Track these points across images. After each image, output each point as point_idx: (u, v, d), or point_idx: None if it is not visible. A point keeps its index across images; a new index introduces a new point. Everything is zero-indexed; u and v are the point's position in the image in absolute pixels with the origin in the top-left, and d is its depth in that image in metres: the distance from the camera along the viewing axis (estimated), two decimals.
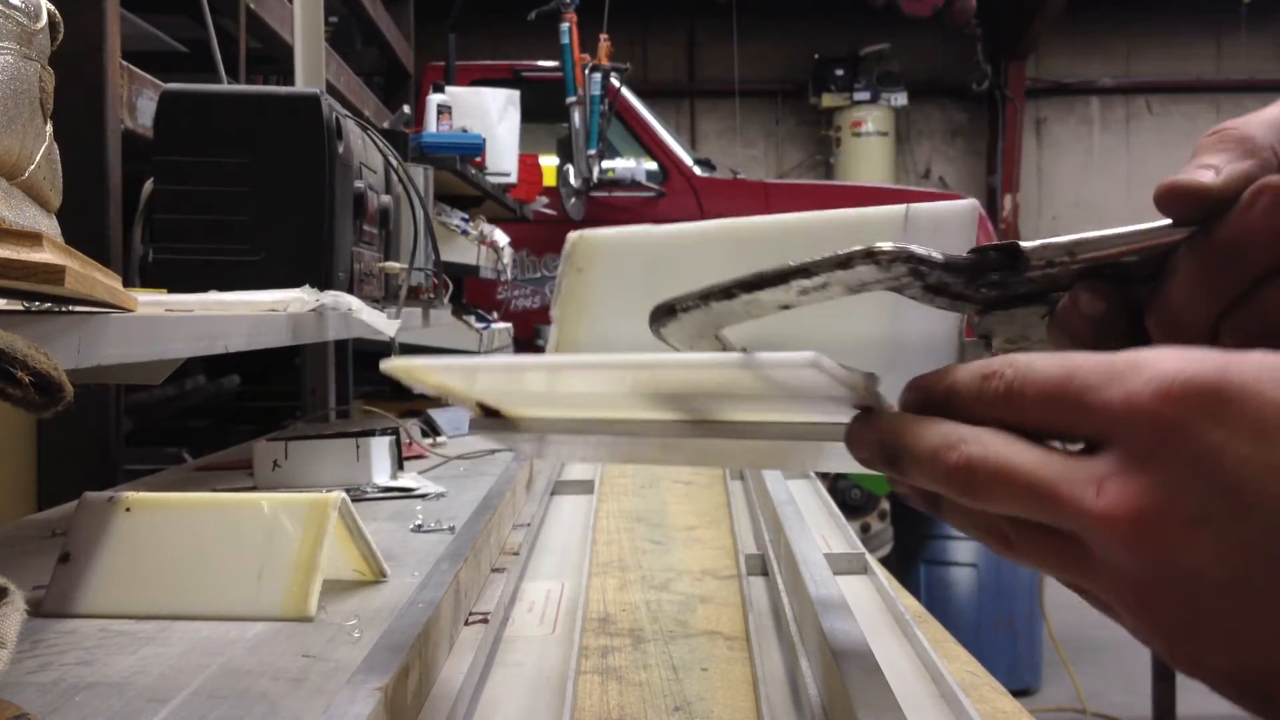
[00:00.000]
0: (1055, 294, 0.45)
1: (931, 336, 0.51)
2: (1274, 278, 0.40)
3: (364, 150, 1.68)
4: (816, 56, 8.95)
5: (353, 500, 0.92)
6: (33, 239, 0.67)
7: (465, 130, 2.89)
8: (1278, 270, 0.40)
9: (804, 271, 0.44)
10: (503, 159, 3.16)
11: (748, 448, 0.54)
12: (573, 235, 0.66)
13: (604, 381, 0.51)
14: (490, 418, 0.57)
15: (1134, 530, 0.34)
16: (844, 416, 0.44)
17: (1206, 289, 0.42)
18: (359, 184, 1.58)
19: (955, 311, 0.47)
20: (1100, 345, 0.43)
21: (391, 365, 0.53)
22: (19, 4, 0.77)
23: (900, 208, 0.54)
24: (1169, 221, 0.43)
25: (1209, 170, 0.42)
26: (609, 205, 4.87)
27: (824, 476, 4.68)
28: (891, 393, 0.47)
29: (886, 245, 0.43)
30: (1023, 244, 0.44)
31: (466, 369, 0.55)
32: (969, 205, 0.52)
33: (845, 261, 0.43)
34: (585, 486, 1.48)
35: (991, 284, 0.45)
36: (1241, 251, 0.41)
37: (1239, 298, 0.41)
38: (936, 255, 0.43)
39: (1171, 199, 0.42)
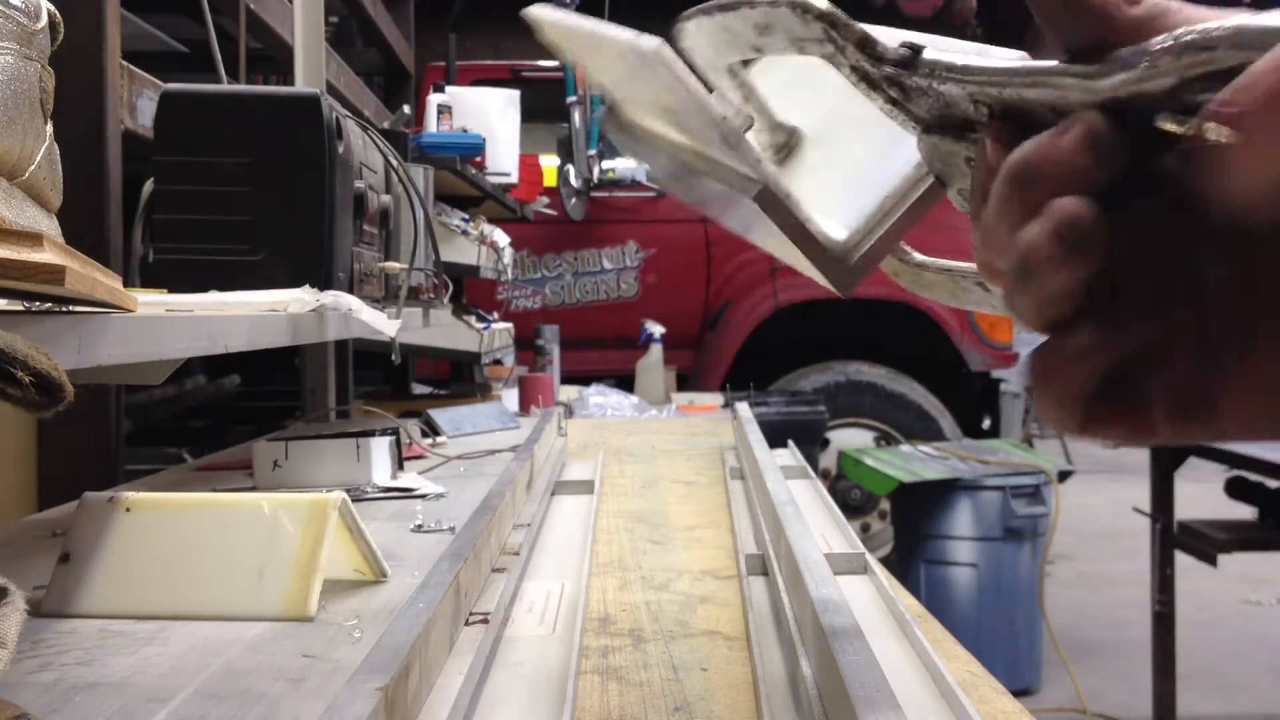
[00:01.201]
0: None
1: (897, 172, 0.52)
2: None
3: (364, 150, 1.68)
4: None
5: (353, 500, 0.92)
6: (33, 239, 0.67)
7: (465, 130, 2.88)
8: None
9: (750, 3, 0.44)
10: (503, 159, 3.16)
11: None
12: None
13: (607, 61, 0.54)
14: (611, 116, 0.60)
15: None
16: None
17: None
18: (359, 184, 1.58)
19: (893, 119, 0.45)
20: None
21: (531, 12, 0.55)
22: (19, 4, 0.77)
23: None
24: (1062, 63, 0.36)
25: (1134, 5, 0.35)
26: (609, 205, 4.86)
27: (824, 476, 4.67)
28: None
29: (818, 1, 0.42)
30: (926, 48, 0.41)
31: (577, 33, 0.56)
32: None
33: (774, 1, 0.43)
34: (585, 486, 1.48)
35: (894, 84, 0.42)
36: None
37: None
38: (858, 26, 0.42)
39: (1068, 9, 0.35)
